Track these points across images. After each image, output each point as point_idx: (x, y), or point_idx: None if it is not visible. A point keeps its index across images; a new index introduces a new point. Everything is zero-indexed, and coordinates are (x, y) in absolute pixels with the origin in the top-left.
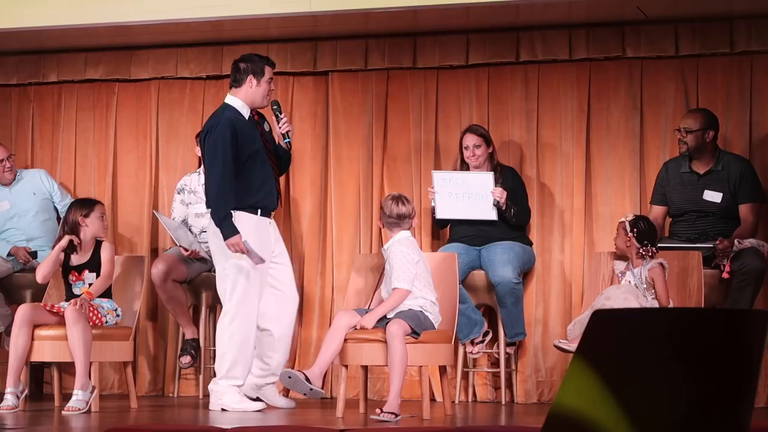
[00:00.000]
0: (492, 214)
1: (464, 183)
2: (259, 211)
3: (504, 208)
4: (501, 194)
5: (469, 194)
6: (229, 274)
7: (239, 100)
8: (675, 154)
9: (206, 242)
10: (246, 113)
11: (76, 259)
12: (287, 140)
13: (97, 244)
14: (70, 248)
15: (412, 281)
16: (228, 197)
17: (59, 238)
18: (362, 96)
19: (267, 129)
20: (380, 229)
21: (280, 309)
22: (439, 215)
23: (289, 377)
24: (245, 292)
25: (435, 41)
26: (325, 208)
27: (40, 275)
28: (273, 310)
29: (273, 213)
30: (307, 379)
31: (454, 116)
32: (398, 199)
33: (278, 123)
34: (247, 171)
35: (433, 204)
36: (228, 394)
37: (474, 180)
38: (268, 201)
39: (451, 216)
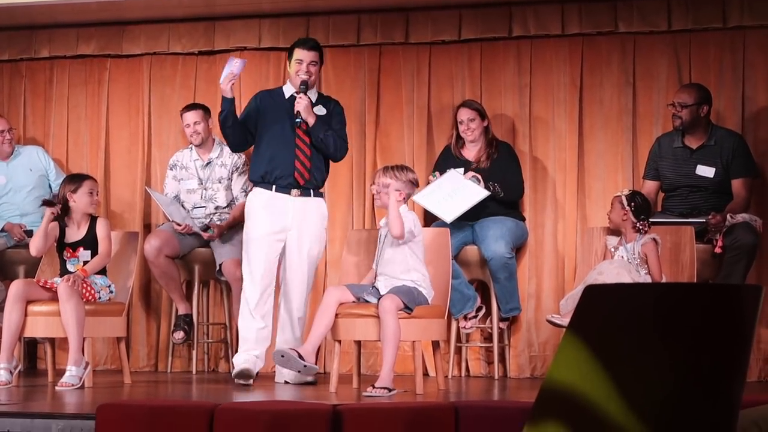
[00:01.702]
0: (482, 191)
1: (440, 187)
2: (273, 187)
3: (484, 184)
4: (474, 175)
5: (452, 191)
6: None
7: (289, 81)
8: (668, 129)
9: (199, 218)
10: (288, 92)
11: (70, 236)
12: (297, 120)
13: (93, 220)
14: (61, 219)
15: (410, 229)
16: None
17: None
18: (355, 71)
19: (319, 113)
20: (373, 203)
21: (292, 289)
22: (451, 220)
23: (282, 356)
24: (245, 261)
25: (427, 16)
26: None
27: (33, 248)
28: (289, 289)
29: (301, 191)
30: (300, 356)
31: (446, 92)
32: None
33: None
34: (266, 146)
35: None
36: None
37: (447, 182)
38: (281, 176)
39: (459, 213)
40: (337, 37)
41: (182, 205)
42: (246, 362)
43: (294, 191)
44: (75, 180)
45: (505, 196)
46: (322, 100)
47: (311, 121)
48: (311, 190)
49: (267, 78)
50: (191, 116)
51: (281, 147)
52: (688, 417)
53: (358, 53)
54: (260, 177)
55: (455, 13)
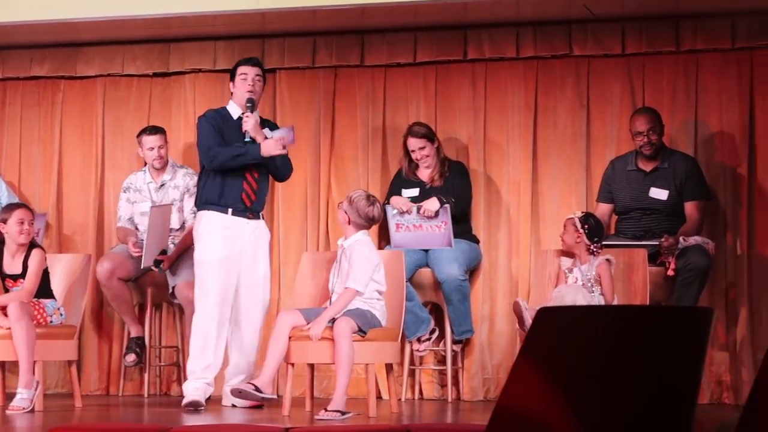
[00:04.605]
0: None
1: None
2: (229, 210)
3: (443, 202)
4: (431, 205)
5: (417, 222)
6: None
7: (233, 101)
8: (621, 151)
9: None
10: (235, 113)
11: (7, 267)
12: (246, 140)
13: (30, 251)
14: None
15: (366, 284)
16: (217, 154)
17: None
18: (310, 93)
19: (267, 135)
20: (327, 224)
21: (246, 313)
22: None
23: (240, 392)
24: (200, 286)
25: (383, 39)
26: (272, 206)
27: None
28: (242, 313)
29: (252, 214)
30: (257, 389)
31: (401, 114)
32: (371, 200)
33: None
34: (219, 171)
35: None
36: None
37: (413, 217)
38: (233, 201)
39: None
40: (293, 60)
41: (136, 228)
42: (196, 391)
43: (249, 214)
44: (7, 209)
45: (452, 208)
46: (266, 123)
47: (260, 139)
48: (258, 213)
49: (221, 100)
50: (156, 140)
51: (233, 172)
52: None
53: (314, 75)
54: (215, 200)
55: (410, 35)
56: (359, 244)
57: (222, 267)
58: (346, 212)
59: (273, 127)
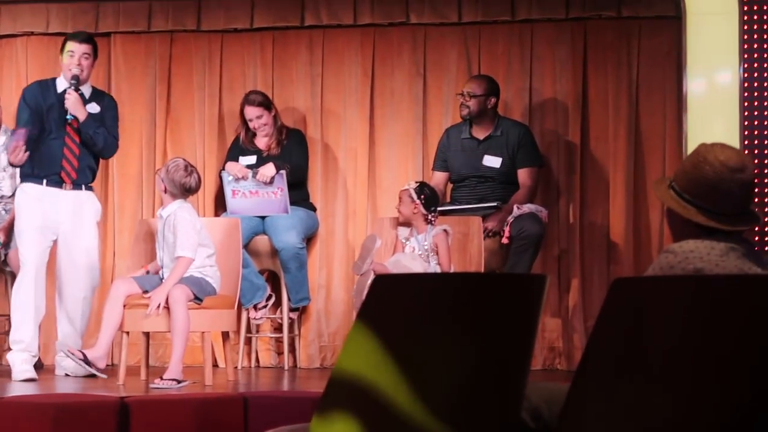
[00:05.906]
0: (279, 181)
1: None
2: (44, 181)
3: (279, 168)
4: (267, 170)
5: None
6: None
7: (63, 75)
8: (457, 120)
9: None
10: (61, 86)
11: None
12: (67, 117)
13: None
14: None
15: (195, 249)
16: None
17: None
18: (145, 58)
19: (92, 110)
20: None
21: (69, 283)
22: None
23: (71, 354)
24: (20, 256)
25: (219, 4)
26: (107, 172)
27: None
28: (64, 284)
29: (71, 185)
30: (86, 360)
31: (238, 80)
32: (189, 170)
33: None
34: (35, 143)
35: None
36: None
37: (250, 183)
38: (48, 172)
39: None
40: (128, 23)
41: None
42: (24, 364)
43: (66, 185)
44: None
45: (288, 174)
46: (96, 96)
47: (81, 116)
48: (82, 185)
49: (54, 64)
50: None
51: (50, 144)
52: (476, 405)
53: (149, 40)
54: (31, 172)
55: (248, 1)
56: (180, 211)
57: (37, 236)
58: (162, 181)
59: (105, 97)
